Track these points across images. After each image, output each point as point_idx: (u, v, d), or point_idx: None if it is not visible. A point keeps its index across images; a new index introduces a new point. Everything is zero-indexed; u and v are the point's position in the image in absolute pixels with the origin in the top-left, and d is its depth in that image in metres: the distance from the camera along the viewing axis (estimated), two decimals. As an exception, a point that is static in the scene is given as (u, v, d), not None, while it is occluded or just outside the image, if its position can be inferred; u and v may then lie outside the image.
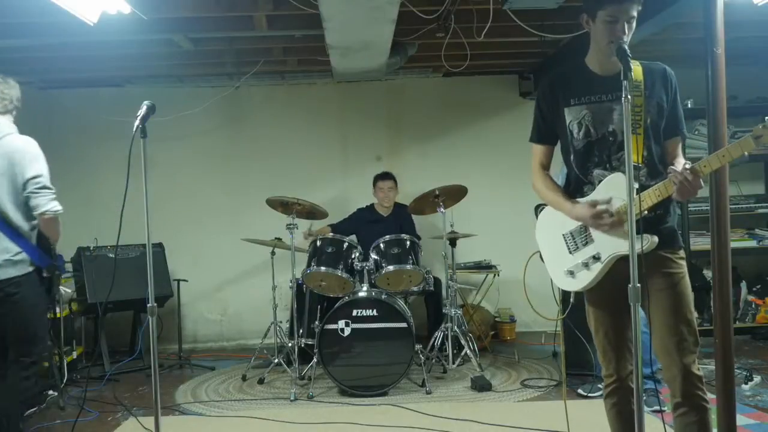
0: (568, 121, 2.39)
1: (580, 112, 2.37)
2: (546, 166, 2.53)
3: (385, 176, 5.52)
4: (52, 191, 3.03)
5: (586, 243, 2.38)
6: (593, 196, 2.36)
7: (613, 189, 2.29)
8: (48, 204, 2.99)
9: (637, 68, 2.34)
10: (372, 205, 5.60)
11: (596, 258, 2.34)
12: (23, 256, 3.02)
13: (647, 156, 2.32)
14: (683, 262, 2.35)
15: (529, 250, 2.77)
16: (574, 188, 2.44)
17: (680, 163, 2.34)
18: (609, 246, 2.31)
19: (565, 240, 2.44)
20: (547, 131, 2.49)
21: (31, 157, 3.01)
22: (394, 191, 5.51)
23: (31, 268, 3.05)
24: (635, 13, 2.25)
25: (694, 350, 2.28)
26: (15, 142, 3.04)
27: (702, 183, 2.17)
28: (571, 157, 2.42)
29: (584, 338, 3.98)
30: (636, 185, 2.23)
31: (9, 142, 3.02)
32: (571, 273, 2.41)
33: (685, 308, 2.29)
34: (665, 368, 2.32)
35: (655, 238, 2.24)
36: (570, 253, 2.42)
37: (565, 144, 2.44)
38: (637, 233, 2.10)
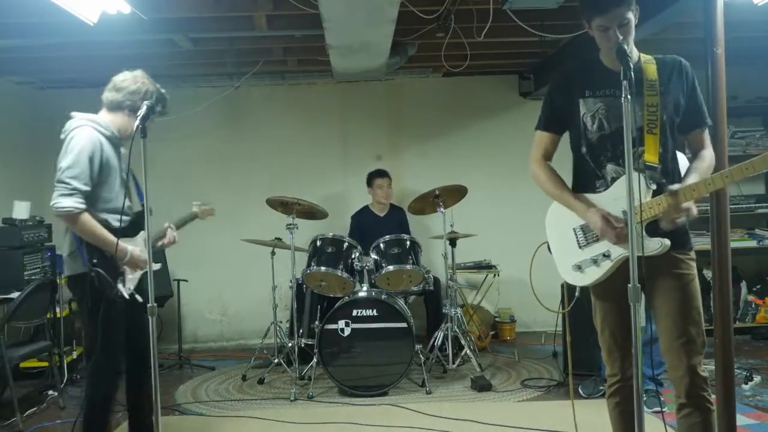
0: (582, 113, 2.39)
1: (594, 104, 2.37)
2: (549, 156, 2.51)
3: (383, 173, 5.52)
4: (66, 186, 2.78)
5: (597, 239, 2.36)
6: (606, 194, 2.35)
7: (625, 191, 2.28)
8: (55, 199, 2.78)
9: (651, 66, 2.34)
10: (366, 207, 5.60)
11: (606, 256, 2.33)
12: (77, 254, 2.90)
13: (662, 153, 2.31)
14: (694, 264, 2.35)
15: (530, 250, 2.77)
16: (585, 182, 2.43)
17: (706, 157, 2.36)
18: (620, 246, 2.30)
19: (576, 234, 2.42)
20: (555, 120, 2.48)
21: (66, 150, 2.86)
22: (391, 188, 5.52)
23: (84, 268, 2.88)
24: (628, 17, 2.24)
25: (701, 351, 2.29)
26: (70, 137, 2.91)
27: (694, 211, 2.21)
28: (584, 149, 2.41)
29: (587, 338, 3.99)
30: (654, 186, 2.25)
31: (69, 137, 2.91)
32: (579, 268, 2.41)
33: (693, 309, 2.29)
34: (671, 368, 2.32)
35: (667, 242, 2.23)
36: (579, 247, 2.41)
37: (576, 136, 2.44)
38: (652, 236, 2.15)
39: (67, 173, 2.79)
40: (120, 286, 2.92)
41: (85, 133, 2.88)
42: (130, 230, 3.00)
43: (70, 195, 2.77)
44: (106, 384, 2.95)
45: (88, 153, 2.83)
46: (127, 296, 2.94)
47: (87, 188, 2.82)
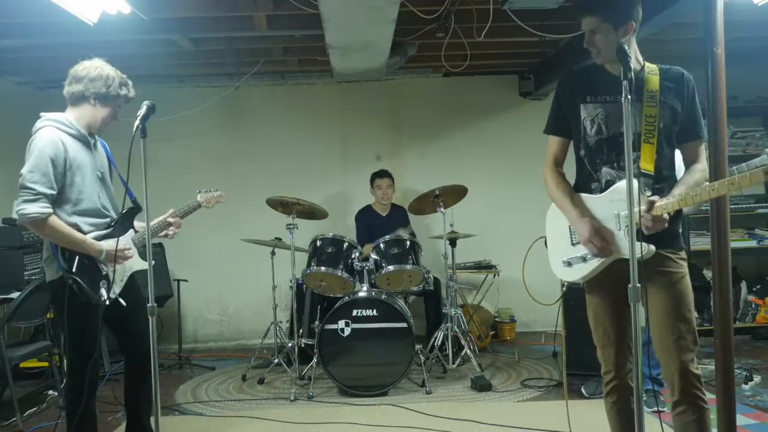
0: (582, 117, 2.42)
1: (595, 109, 2.40)
2: (560, 161, 2.54)
3: (383, 174, 5.52)
4: (30, 191, 2.70)
5: None
6: (602, 197, 2.37)
7: (621, 195, 2.28)
8: (19, 206, 2.70)
9: (654, 77, 2.36)
10: (369, 206, 5.60)
11: (595, 255, 2.36)
12: (53, 258, 2.82)
13: (658, 161, 2.33)
14: (684, 263, 2.37)
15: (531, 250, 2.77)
16: (582, 183, 2.47)
17: (696, 171, 2.36)
18: (600, 256, 2.34)
19: (570, 231, 2.46)
20: (563, 123, 2.51)
21: (27, 154, 2.78)
22: (392, 189, 5.51)
23: (59, 274, 2.81)
24: (600, 26, 2.29)
25: (693, 349, 2.30)
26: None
27: (665, 221, 2.20)
28: (582, 152, 2.45)
29: (588, 338, 3.99)
30: (648, 193, 2.28)
31: (30, 140, 2.83)
32: (569, 264, 2.46)
33: (683, 307, 2.31)
34: (664, 366, 2.34)
35: (652, 247, 2.24)
36: (572, 244, 2.45)
37: (577, 140, 2.47)
38: (637, 240, 2.12)
39: (29, 178, 2.71)
40: (102, 290, 2.83)
41: (45, 135, 2.78)
42: (114, 232, 2.91)
43: (35, 200, 2.70)
44: (79, 389, 2.87)
45: (49, 155, 2.74)
46: (107, 300, 2.84)
47: (52, 191, 2.74)
